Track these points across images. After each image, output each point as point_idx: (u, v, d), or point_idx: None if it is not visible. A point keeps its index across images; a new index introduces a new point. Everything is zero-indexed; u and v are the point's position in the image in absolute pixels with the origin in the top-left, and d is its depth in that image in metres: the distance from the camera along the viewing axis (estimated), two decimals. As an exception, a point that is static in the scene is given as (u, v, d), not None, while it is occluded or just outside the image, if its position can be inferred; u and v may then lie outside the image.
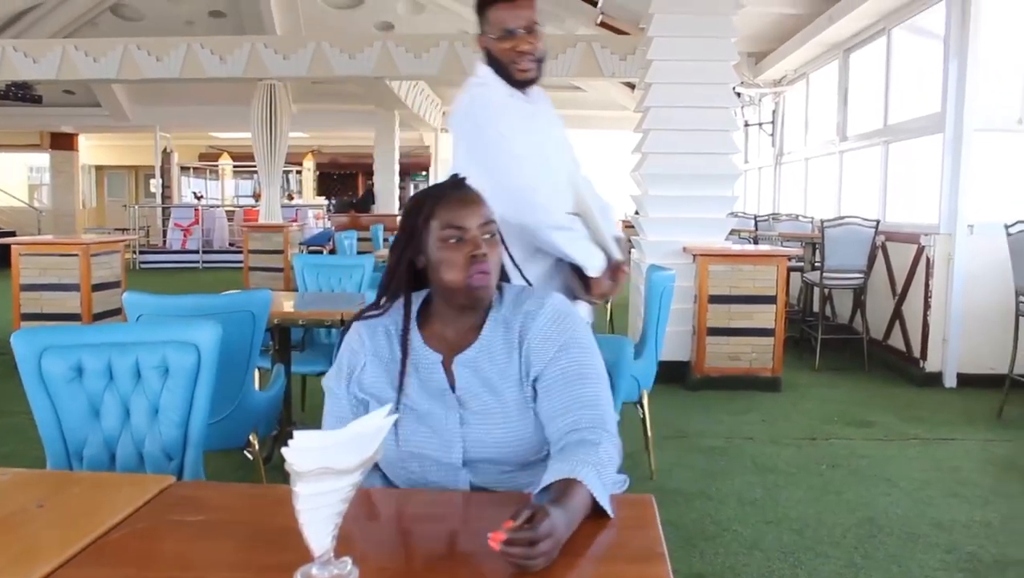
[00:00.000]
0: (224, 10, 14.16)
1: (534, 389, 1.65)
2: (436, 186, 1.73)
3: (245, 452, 3.71)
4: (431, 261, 1.66)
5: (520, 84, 2.47)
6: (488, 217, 1.67)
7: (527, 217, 2.38)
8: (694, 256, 6.34)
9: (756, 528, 3.64)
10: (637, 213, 7.03)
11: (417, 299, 1.75)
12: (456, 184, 1.71)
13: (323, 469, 1.10)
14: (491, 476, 1.66)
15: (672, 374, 6.08)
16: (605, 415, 1.60)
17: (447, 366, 1.68)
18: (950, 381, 6.31)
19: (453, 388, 1.67)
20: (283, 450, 1.12)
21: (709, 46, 6.49)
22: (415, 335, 1.72)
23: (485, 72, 2.50)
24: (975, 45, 6.10)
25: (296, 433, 1.14)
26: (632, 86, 13.80)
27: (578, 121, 18.51)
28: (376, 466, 1.67)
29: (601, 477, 1.43)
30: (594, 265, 2.45)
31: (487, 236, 1.66)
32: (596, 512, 1.38)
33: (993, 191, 6.46)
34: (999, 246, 5.49)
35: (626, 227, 13.85)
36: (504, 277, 1.78)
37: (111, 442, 2.25)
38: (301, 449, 1.13)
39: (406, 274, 1.71)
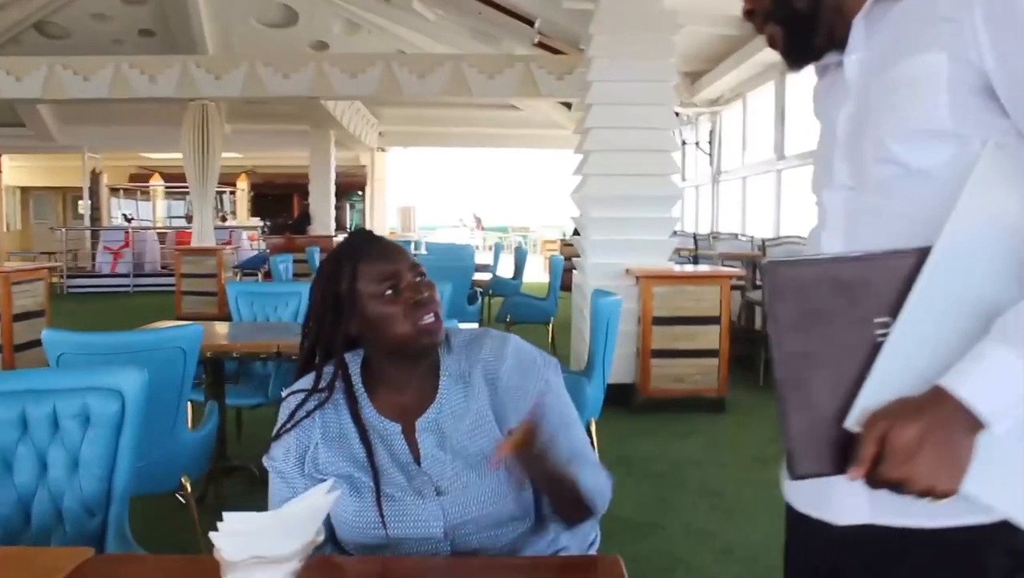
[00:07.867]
0: (154, 28, 13.81)
1: None
2: (346, 245, 1.59)
3: (177, 495, 3.53)
4: (370, 322, 1.52)
5: None
6: (414, 259, 1.56)
7: None
8: (637, 278, 6.28)
9: (709, 560, 3.57)
10: (577, 234, 6.95)
11: (353, 365, 1.60)
12: (366, 237, 1.59)
13: (256, 558, 0.98)
14: (474, 540, 1.52)
15: (616, 397, 5.98)
16: (592, 456, 1.59)
17: (408, 434, 1.54)
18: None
19: (418, 460, 1.52)
20: (211, 535, 0.99)
21: (649, 67, 6.45)
22: (366, 405, 1.57)
23: None
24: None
25: (226, 515, 1.02)
26: (569, 105, 13.83)
27: (515, 140, 18.58)
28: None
29: (594, 496, 1.51)
30: None
31: (419, 278, 1.53)
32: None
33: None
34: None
35: (565, 247, 13.98)
36: None
37: (26, 499, 2.07)
38: (231, 534, 1.00)
39: (341, 345, 1.56)
